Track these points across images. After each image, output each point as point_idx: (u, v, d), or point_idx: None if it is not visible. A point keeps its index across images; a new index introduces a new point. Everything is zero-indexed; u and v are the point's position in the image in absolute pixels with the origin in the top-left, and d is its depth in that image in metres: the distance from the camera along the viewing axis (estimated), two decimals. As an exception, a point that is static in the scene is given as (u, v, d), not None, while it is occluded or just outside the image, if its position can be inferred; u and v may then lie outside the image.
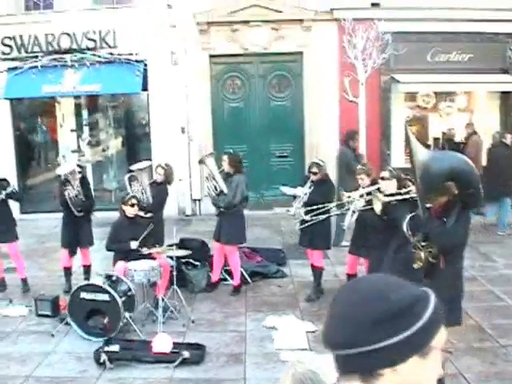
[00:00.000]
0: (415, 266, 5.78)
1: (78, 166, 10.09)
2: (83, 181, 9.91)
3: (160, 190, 10.09)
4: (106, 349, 7.31)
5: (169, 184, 10.29)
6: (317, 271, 9.29)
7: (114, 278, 8.17)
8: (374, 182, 8.03)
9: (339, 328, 1.53)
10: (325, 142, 14.70)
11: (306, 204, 8.92)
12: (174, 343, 7.41)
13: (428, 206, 5.81)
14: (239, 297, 9.44)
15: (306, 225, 8.86)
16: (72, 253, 9.84)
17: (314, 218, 8.72)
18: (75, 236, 9.72)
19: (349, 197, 8.20)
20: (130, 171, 10.21)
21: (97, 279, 8.24)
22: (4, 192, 9.69)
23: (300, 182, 9.36)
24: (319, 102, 14.88)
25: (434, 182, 5.45)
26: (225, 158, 9.62)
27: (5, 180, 10.11)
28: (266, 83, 15.38)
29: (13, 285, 10.11)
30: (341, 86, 14.80)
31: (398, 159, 14.73)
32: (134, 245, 8.67)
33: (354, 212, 8.19)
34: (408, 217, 6.23)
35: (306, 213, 8.83)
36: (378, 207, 7.27)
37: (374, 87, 14.71)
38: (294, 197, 9.07)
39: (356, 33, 14.32)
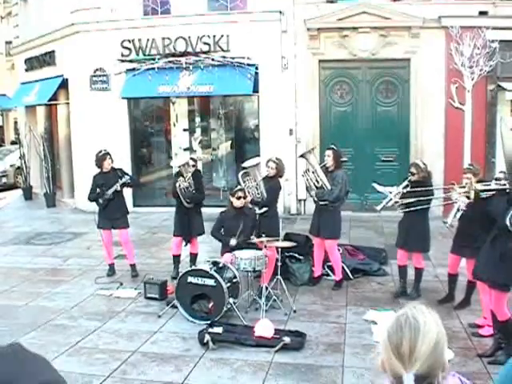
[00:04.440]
0: None
1: (192, 159, 10.51)
2: (196, 174, 10.31)
3: (273, 183, 10.11)
4: (210, 330, 7.62)
5: (280, 177, 10.33)
6: (417, 272, 9.21)
7: (220, 265, 8.51)
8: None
9: None
10: (430, 147, 14.74)
11: (397, 203, 8.96)
12: (276, 329, 7.63)
13: None
14: (340, 291, 9.59)
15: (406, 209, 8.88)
16: (184, 241, 10.31)
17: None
18: (186, 226, 10.18)
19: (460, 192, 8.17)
20: (243, 168, 10.40)
21: (204, 265, 8.56)
22: (120, 181, 10.32)
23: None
24: (425, 108, 14.90)
25: None
26: (329, 153, 9.69)
27: (120, 170, 10.75)
28: (374, 88, 15.52)
29: (122, 270, 10.78)
30: (447, 93, 14.76)
31: (503, 166, 14.50)
32: (233, 242, 9.03)
33: (458, 210, 8.15)
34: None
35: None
36: (471, 194, 7.43)
37: (480, 94, 14.58)
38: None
39: (463, 40, 14.27)
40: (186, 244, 10.37)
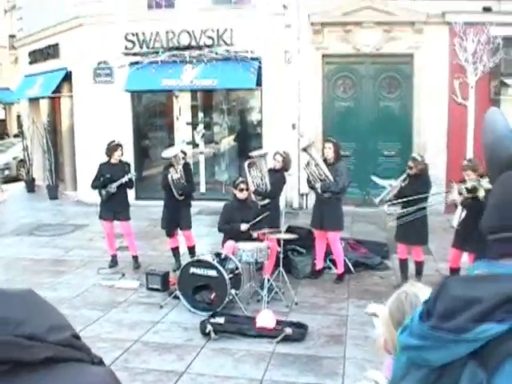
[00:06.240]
0: None
1: (182, 152, 10.53)
2: (186, 167, 10.34)
3: (278, 176, 10.21)
4: (212, 320, 7.69)
5: (286, 171, 10.44)
6: (417, 265, 9.25)
7: (222, 256, 8.55)
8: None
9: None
10: (432, 142, 14.70)
11: (395, 197, 8.98)
12: (278, 320, 7.67)
13: None
14: (342, 284, 9.61)
15: (405, 219, 8.83)
16: (169, 235, 10.32)
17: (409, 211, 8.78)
18: (174, 219, 10.21)
19: (462, 188, 8.11)
20: (250, 157, 10.40)
21: (207, 256, 8.57)
22: (126, 176, 10.35)
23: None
24: (428, 104, 14.84)
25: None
26: (330, 145, 9.71)
27: (128, 164, 10.83)
28: (377, 84, 15.48)
29: (125, 261, 10.81)
30: (450, 89, 14.71)
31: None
32: (243, 227, 9.01)
33: (463, 210, 8.15)
34: None
35: (402, 206, 8.96)
36: (481, 193, 7.39)
37: (483, 90, 14.50)
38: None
39: (467, 36, 14.16)
40: (171, 236, 10.37)
